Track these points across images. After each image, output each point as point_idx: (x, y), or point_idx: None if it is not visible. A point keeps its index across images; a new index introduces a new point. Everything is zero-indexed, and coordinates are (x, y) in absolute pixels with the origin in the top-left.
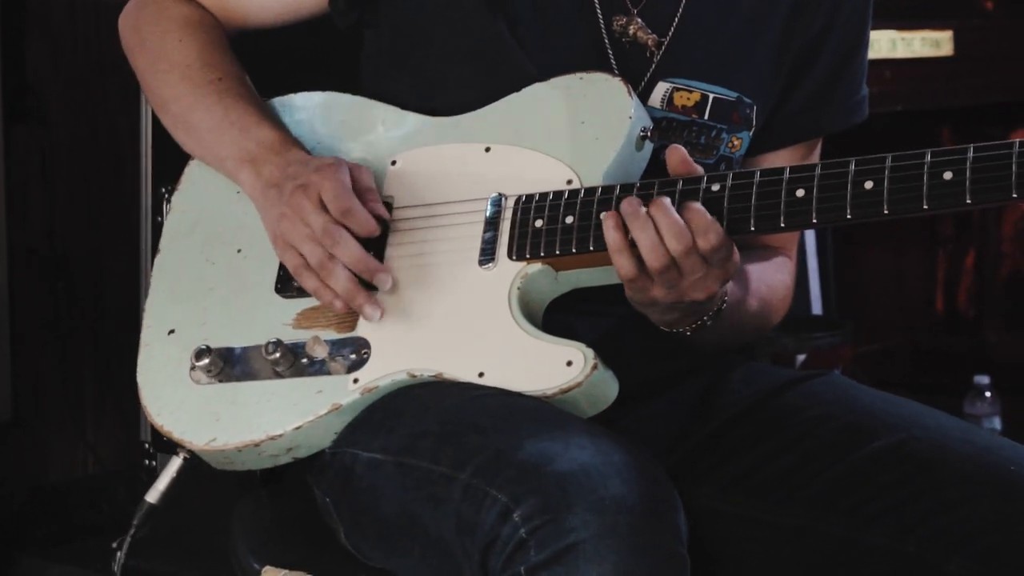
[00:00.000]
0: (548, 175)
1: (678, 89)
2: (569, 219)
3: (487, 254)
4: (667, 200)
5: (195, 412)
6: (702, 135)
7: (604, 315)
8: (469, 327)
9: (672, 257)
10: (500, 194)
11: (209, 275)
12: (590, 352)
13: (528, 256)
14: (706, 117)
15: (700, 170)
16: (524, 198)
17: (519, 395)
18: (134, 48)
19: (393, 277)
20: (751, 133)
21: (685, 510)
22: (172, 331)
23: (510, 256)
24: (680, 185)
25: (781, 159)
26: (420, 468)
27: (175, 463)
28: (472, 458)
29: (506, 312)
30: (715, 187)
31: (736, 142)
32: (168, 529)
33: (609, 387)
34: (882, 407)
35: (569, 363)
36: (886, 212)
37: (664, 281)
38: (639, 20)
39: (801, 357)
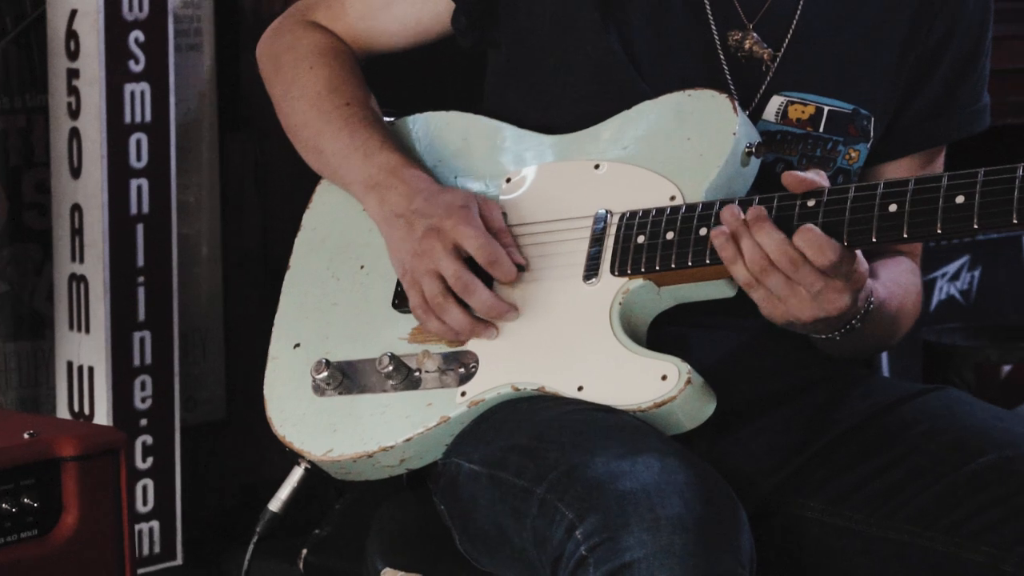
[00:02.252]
0: (653, 191)
1: (792, 102)
2: (669, 235)
3: (591, 270)
4: (761, 210)
5: (314, 424)
6: (817, 148)
7: (720, 328)
8: (571, 342)
9: (772, 263)
10: (606, 210)
11: (333, 290)
12: (685, 366)
13: (630, 272)
14: (821, 130)
15: (819, 181)
16: (628, 214)
17: (609, 411)
18: (270, 76)
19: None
20: (869, 145)
21: (794, 523)
22: (297, 345)
23: (612, 272)
24: (776, 201)
25: (900, 169)
26: (507, 481)
27: (296, 473)
28: (548, 473)
29: (606, 327)
30: (811, 202)
31: (853, 154)
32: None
33: (705, 401)
34: (993, 423)
35: (664, 377)
36: (975, 227)
37: (779, 290)
38: (754, 34)
39: (1007, 368)
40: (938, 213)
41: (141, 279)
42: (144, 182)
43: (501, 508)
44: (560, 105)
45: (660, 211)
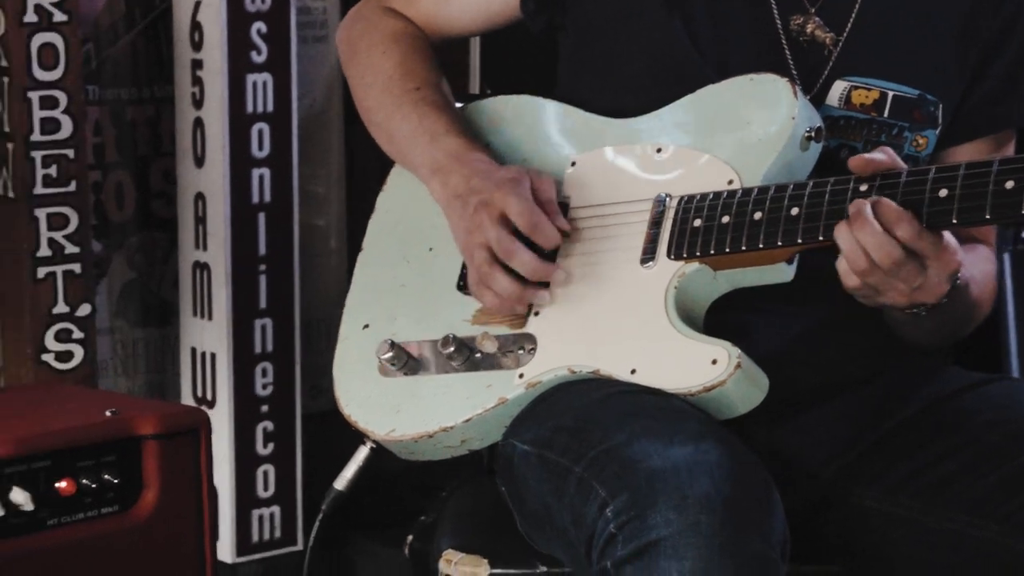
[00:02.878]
0: (712, 175)
1: (856, 87)
2: (725, 219)
3: (648, 253)
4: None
5: (379, 404)
6: (882, 133)
7: (783, 315)
8: (626, 325)
9: (876, 262)
10: (666, 194)
11: (403, 272)
12: (735, 351)
13: (685, 255)
14: (886, 115)
15: (884, 161)
16: (686, 198)
17: (658, 394)
18: (346, 61)
19: (564, 271)
20: (937, 131)
21: (853, 512)
22: (366, 326)
23: (669, 255)
24: (830, 186)
25: (967, 153)
26: (551, 461)
27: (362, 452)
28: (587, 453)
29: (661, 310)
30: (863, 187)
31: (921, 141)
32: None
33: (755, 386)
34: None
35: (714, 361)
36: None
37: (880, 284)
38: (817, 19)
39: None
40: (987, 198)
41: (263, 267)
42: (266, 171)
43: (547, 488)
44: (626, 90)
45: (717, 195)
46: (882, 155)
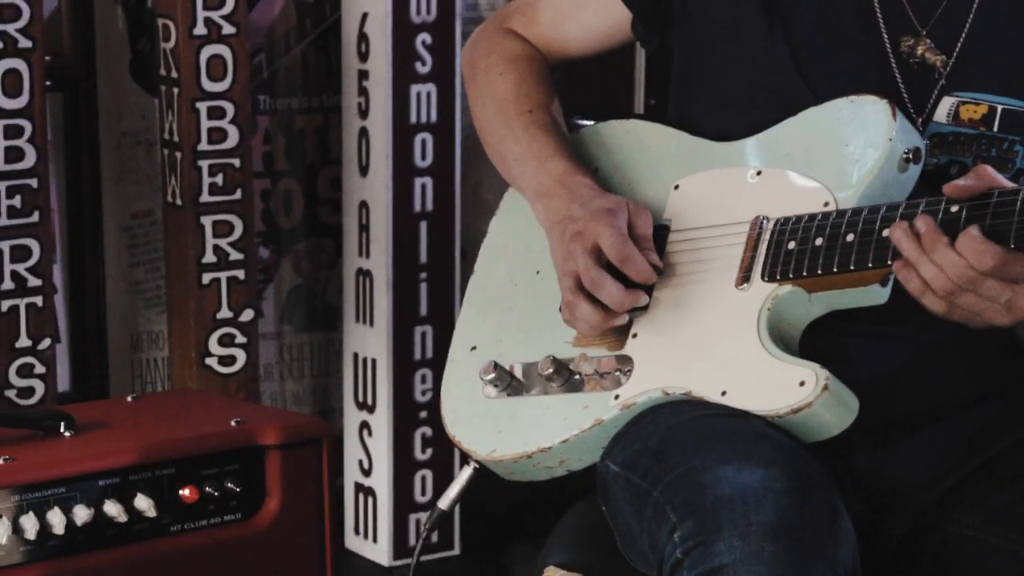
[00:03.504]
0: (808, 197)
1: (964, 103)
2: (819, 241)
3: (744, 276)
4: (929, 222)
5: (482, 424)
6: (992, 148)
7: (885, 338)
8: (719, 346)
9: (956, 283)
10: (764, 216)
11: (511, 294)
12: (823, 372)
13: (779, 277)
14: (995, 129)
15: (977, 185)
16: (782, 220)
17: (744, 417)
18: (467, 81)
19: (658, 297)
20: None
21: (950, 539)
22: (474, 347)
23: (763, 277)
24: (921, 207)
25: None
26: (635, 483)
27: (466, 472)
28: (665, 477)
29: (753, 332)
30: (954, 208)
31: None
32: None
33: (844, 408)
34: None
35: (802, 383)
36: None
37: (971, 306)
38: (928, 40)
39: None
40: None
41: (423, 275)
42: (428, 180)
43: (631, 509)
44: (731, 111)
45: (812, 217)
46: (975, 180)
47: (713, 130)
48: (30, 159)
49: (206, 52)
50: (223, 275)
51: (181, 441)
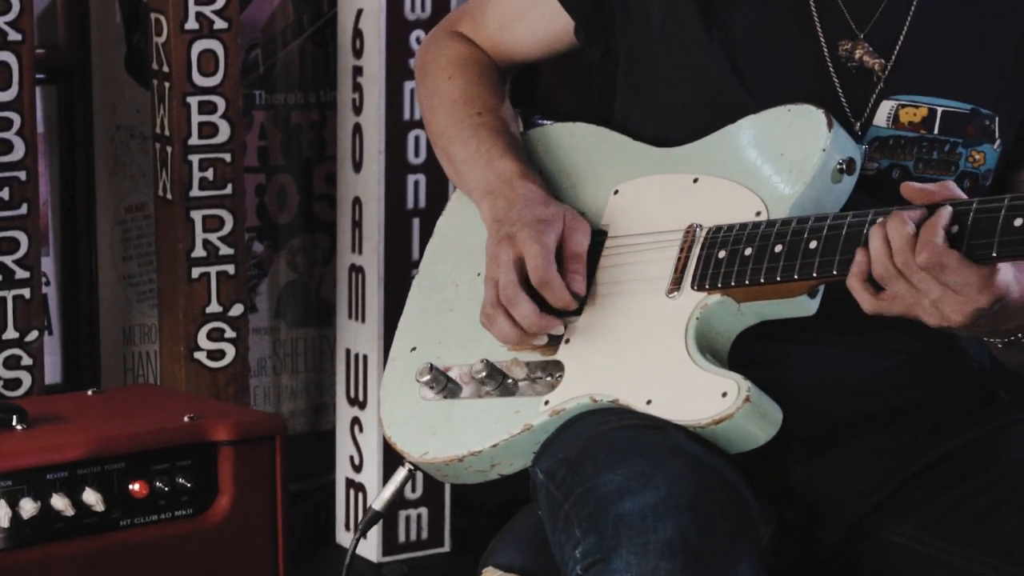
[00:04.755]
0: (741, 206)
1: (903, 106)
2: (748, 251)
3: (675, 284)
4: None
5: (417, 426)
6: (934, 150)
7: (824, 345)
8: (647, 355)
9: (904, 262)
10: (697, 224)
11: (452, 296)
12: (745, 384)
13: (708, 286)
14: (936, 132)
15: (940, 193)
16: (715, 229)
17: (661, 428)
18: (419, 84)
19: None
20: (995, 146)
21: (883, 547)
22: (414, 348)
23: (692, 286)
24: (848, 219)
25: None
26: (552, 493)
27: (400, 473)
28: (576, 489)
29: (680, 341)
30: (880, 220)
31: (978, 156)
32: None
33: (767, 420)
34: None
35: (724, 394)
36: None
37: (898, 292)
38: (866, 44)
39: None
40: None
41: (415, 272)
42: (421, 178)
43: (549, 520)
44: (672, 118)
45: (743, 226)
46: (938, 188)
47: (654, 135)
48: (19, 151)
49: (197, 47)
50: (213, 269)
51: (132, 436)
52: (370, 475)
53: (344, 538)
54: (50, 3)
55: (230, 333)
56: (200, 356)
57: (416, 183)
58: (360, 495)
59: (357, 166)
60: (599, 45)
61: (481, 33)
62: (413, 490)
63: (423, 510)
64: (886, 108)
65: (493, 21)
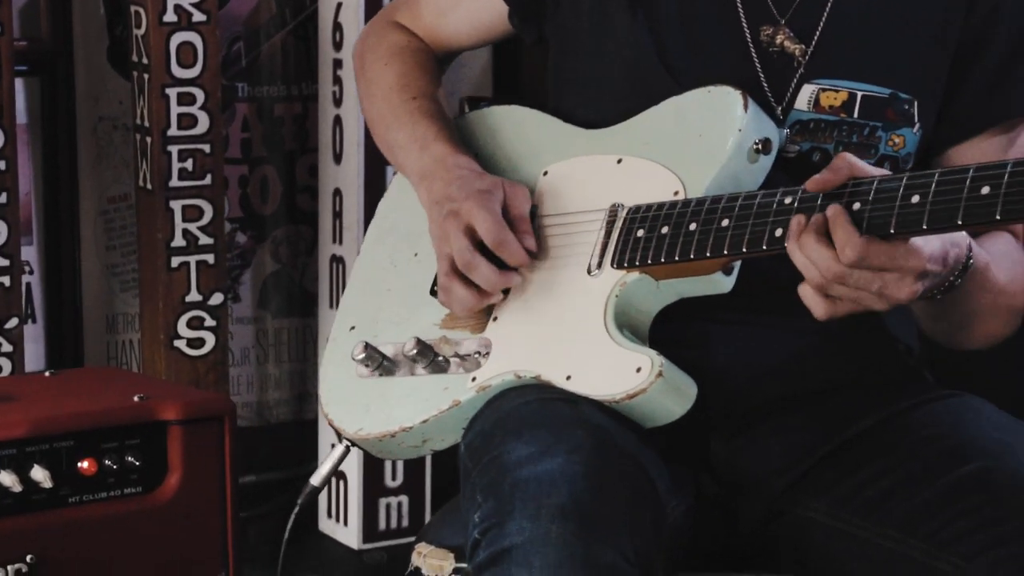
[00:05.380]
0: (661, 186)
1: (824, 89)
2: (664, 229)
3: (596, 263)
4: (800, 219)
5: (352, 403)
6: (853, 134)
7: (746, 324)
8: (568, 332)
9: (827, 278)
10: (619, 204)
11: (389, 276)
12: (659, 359)
13: (627, 265)
14: (856, 116)
15: (834, 179)
16: (634, 208)
17: (573, 403)
18: (357, 73)
19: (523, 278)
20: (915, 130)
21: (802, 524)
22: (353, 327)
23: (612, 264)
24: (758, 198)
25: (972, 151)
26: (465, 464)
27: (338, 450)
28: (482, 458)
29: (599, 318)
30: (787, 199)
31: (897, 140)
32: None
33: (680, 395)
34: (989, 433)
35: (638, 369)
36: (998, 218)
37: (847, 295)
38: (787, 29)
39: None
40: (961, 203)
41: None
42: None
43: (462, 489)
44: (600, 102)
45: (661, 205)
46: (831, 174)
47: (584, 118)
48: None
49: (176, 39)
50: (192, 259)
51: (81, 414)
52: (351, 464)
53: (327, 526)
54: None
55: (210, 322)
56: (180, 344)
57: (395, 174)
58: (342, 483)
59: (337, 158)
60: (533, 31)
61: (418, 22)
62: (394, 478)
63: (403, 498)
64: (807, 92)
65: (429, 10)
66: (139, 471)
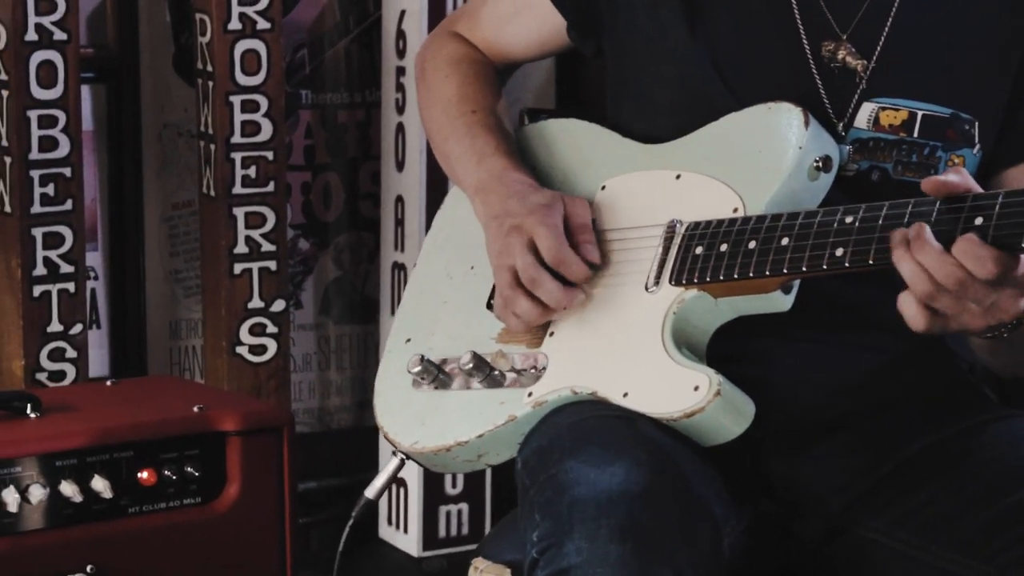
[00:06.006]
0: (719, 202)
1: (884, 108)
2: (724, 247)
3: (655, 279)
4: (923, 228)
5: (408, 416)
6: (913, 153)
7: (806, 341)
8: (626, 348)
9: (937, 284)
10: (677, 220)
11: (445, 289)
12: (716, 377)
13: (685, 282)
14: (916, 135)
15: (960, 183)
16: (693, 224)
17: (631, 420)
18: (418, 83)
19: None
20: (975, 151)
21: (860, 544)
22: (408, 340)
23: (671, 281)
24: (818, 217)
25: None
26: (522, 481)
27: (393, 463)
28: (539, 476)
29: (657, 335)
30: (848, 219)
31: (957, 160)
32: None
33: (738, 414)
34: None
35: (696, 388)
36: None
37: (949, 309)
38: (849, 45)
39: None
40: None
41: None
42: None
43: (519, 507)
44: (657, 116)
45: (720, 222)
46: (956, 177)
47: (642, 132)
48: (64, 149)
49: (240, 47)
50: (255, 266)
51: (141, 425)
52: (411, 471)
53: (387, 533)
54: (100, 3)
55: (272, 328)
56: (242, 351)
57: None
58: (403, 491)
59: (400, 165)
60: (591, 44)
61: (477, 33)
62: (454, 486)
63: (463, 506)
64: (867, 110)
65: (488, 21)
66: (198, 481)
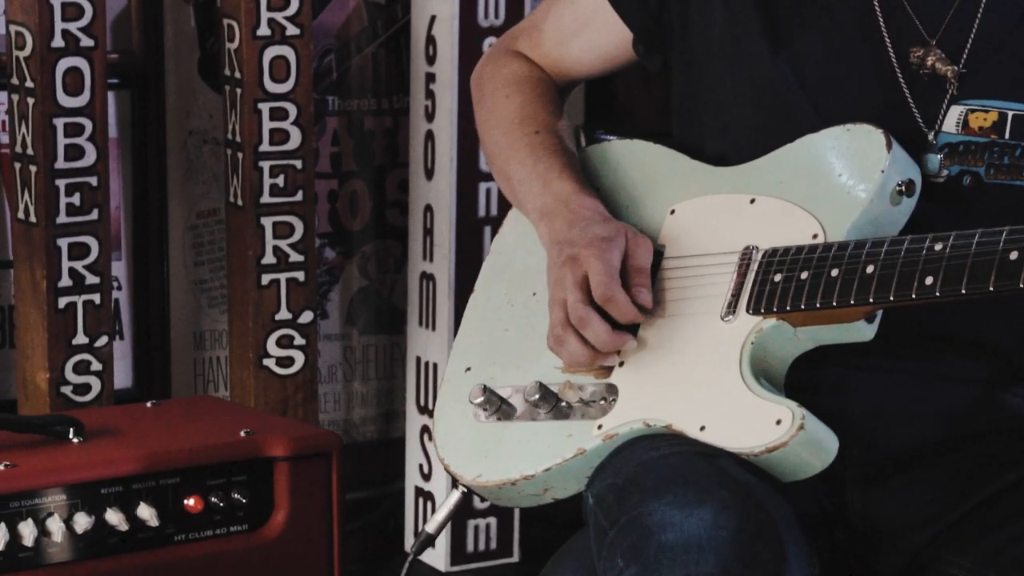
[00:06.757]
0: (798, 228)
1: (973, 110)
2: (804, 274)
3: (730, 307)
4: None
5: (470, 448)
6: (1005, 155)
7: (885, 371)
8: (701, 379)
9: None
10: (753, 247)
11: (507, 316)
12: (800, 411)
13: (763, 310)
14: (1007, 136)
15: None
16: (771, 251)
17: (711, 457)
18: (476, 103)
19: (643, 334)
20: None
21: None
22: (468, 368)
23: (748, 310)
24: (905, 244)
25: None
26: (599, 520)
27: (454, 496)
28: (620, 518)
29: (735, 367)
30: (938, 246)
31: None
32: None
33: (821, 449)
34: None
35: (778, 422)
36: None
37: None
38: (938, 51)
39: None
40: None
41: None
42: (493, 186)
43: (595, 546)
44: (731, 136)
45: (800, 249)
46: None
47: (713, 153)
48: (90, 157)
49: (269, 53)
50: (283, 276)
51: (187, 451)
52: (439, 483)
53: None
54: (124, 8)
55: (299, 340)
56: (269, 363)
57: (488, 191)
58: (429, 503)
59: (429, 173)
60: (657, 58)
61: (538, 50)
62: (482, 500)
63: (492, 520)
64: (955, 113)
65: (550, 38)
66: (245, 508)
